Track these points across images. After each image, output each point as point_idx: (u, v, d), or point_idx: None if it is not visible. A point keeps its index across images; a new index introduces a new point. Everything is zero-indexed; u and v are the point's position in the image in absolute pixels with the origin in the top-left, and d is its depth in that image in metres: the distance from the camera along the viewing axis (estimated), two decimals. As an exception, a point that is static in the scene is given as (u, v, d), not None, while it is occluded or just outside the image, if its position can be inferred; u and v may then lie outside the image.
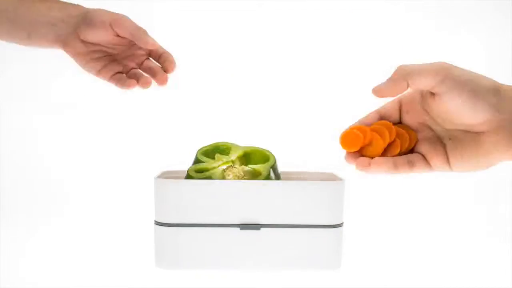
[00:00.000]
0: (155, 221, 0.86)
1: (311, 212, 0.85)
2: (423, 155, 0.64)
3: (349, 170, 0.93)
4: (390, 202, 1.29)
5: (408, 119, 0.66)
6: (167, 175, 0.91)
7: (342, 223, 0.87)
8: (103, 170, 1.41)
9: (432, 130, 0.65)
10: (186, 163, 0.97)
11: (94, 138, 1.49)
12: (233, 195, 0.84)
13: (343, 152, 0.64)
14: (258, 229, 0.84)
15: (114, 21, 0.82)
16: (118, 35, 0.83)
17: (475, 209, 1.24)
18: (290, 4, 1.55)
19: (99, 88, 1.50)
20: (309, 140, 1.45)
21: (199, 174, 0.86)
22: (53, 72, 1.44)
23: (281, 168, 0.93)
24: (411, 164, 0.64)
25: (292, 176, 0.94)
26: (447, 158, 0.63)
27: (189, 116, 1.49)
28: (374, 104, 1.06)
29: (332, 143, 1.39)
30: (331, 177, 0.91)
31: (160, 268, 0.86)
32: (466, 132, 0.62)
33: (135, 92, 1.16)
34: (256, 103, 1.47)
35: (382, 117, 0.67)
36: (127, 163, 1.42)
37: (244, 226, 0.84)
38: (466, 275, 0.90)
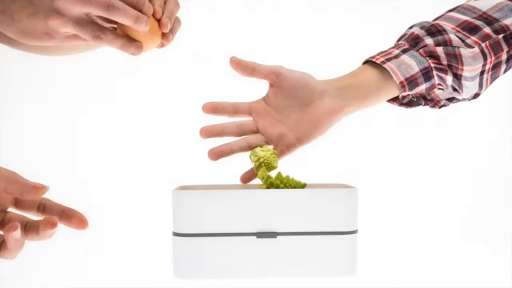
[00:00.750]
0: (172, 232, 0.88)
1: (326, 219, 0.86)
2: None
3: (360, 181, 0.95)
4: (404, 209, 1.30)
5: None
6: (184, 188, 0.93)
7: (357, 229, 0.88)
8: (122, 184, 1.43)
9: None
10: (203, 176, 0.99)
11: (113, 149, 1.50)
12: (249, 204, 0.85)
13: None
14: (275, 237, 0.86)
15: None
16: None
17: (491, 217, 1.24)
18: (290, 5, 1.56)
19: (117, 99, 1.54)
20: (323, 152, 1.46)
21: None
22: (68, 76, 1.47)
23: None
24: None
25: (306, 187, 0.95)
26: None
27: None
28: (374, 109, 1.08)
29: (341, 155, 1.39)
30: (344, 187, 0.92)
31: (179, 277, 0.87)
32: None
33: (155, 104, 1.18)
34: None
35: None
36: (146, 177, 1.43)
37: (260, 235, 0.86)
38: (480, 280, 0.90)
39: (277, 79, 0.86)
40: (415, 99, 0.91)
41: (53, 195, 1.18)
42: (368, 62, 0.90)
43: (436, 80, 0.88)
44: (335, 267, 0.86)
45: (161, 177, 1.35)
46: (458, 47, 0.86)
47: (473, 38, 0.87)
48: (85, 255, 1.03)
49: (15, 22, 0.71)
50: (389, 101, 0.92)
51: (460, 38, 0.87)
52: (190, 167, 1.43)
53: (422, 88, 0.88)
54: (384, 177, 1.41)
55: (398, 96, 0.90)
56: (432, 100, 0.92)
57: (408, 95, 0.90)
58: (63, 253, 1.05)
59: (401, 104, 0.93)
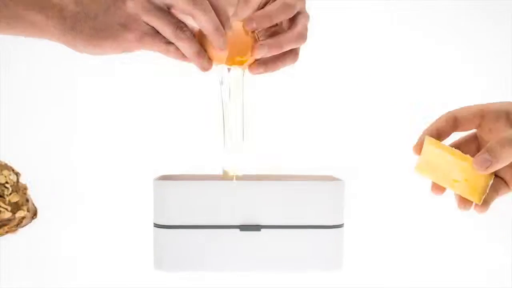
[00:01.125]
0: (154, 223, 0.85)
1: (312, 212, 0.84)
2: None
3: (348, 173, 0.93)
4: (391, 203, 1.29)
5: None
6: (166, 178, 0.91)
7: (343, 223, 0.86)
8: (101, 172, 1.41)
9: None
10: (186, 167, 0.97)
11: (93, 139, 1.48)
12: (233, 196, 0.83)
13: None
14: (259, 230, 0.84)
15: None
16: None
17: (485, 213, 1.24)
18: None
19: (98, 88, 1.52)
20: (309, 144, 1.46)
21: None
22: (53, 70, 1.44)
23: (281, 172, 0.93)
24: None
25: (291, 179, 0.93)
26: None
27: (190, 119, 1.49)
28: (372, 106, 1.06)
29: (331, 146, 1.39)
30: (331, 179, 0.91)
31: (159, 270, 0.86)
32: None
33: (136, 93, 1.15)
34: (257, 106, 1.47)
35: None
36: (126, 165, 1.41)
37: (244, 227, 0.84)
38: (467, 275, 0.90)
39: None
40: None
41: (30, 184, 1.16)
42: None
43: None
44: (321, 261, 0.85)
45: (142, 166, 1.32)
46: None
47: None
48: (63, 246, 1.00)
49: (90, 20, 0.64)
50: None
51: None
52: (172, 156, 1.41)
53: None
54: (373, 170, 1.40)
55: None
56: None
57: None
58: (40, 243, 1.02)
59: None
